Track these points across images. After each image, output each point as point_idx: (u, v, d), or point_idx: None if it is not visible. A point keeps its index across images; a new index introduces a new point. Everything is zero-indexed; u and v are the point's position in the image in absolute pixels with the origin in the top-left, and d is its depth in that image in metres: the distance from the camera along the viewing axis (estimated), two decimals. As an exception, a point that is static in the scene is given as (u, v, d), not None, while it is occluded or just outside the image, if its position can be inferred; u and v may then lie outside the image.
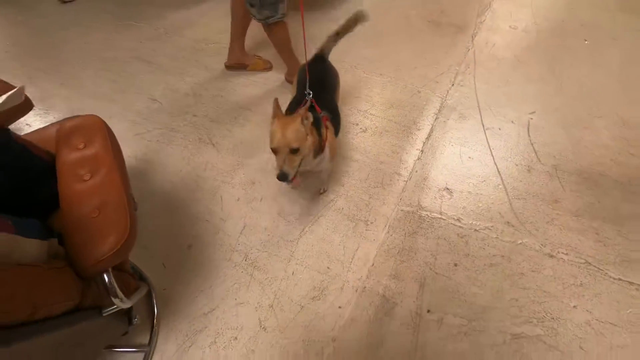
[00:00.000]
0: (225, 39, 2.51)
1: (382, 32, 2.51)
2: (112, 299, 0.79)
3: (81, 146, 0.93)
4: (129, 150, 1.82)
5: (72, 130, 0.97)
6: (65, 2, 2.99)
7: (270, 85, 2.16)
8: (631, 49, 2.36)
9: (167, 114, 2.02)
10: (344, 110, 1.96)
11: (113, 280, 0.79)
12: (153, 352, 1.19)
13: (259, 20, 1.74)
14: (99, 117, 1.01)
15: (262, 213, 1.58)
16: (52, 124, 1.06)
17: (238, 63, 2.21)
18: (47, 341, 0.67)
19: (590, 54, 2.33)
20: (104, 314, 0.81)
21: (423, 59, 2.28)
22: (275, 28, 1.78)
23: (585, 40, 2.44)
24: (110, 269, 0.79)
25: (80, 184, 0.86)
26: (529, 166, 1.70)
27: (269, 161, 1.75)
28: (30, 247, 0.80)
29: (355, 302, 1.30)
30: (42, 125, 1.20)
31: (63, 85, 2.23)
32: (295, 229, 1.51)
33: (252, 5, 1.68)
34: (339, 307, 1.30)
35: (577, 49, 2.38)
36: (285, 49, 1.96)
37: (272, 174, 1.69)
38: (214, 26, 2.64)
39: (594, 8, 2.75)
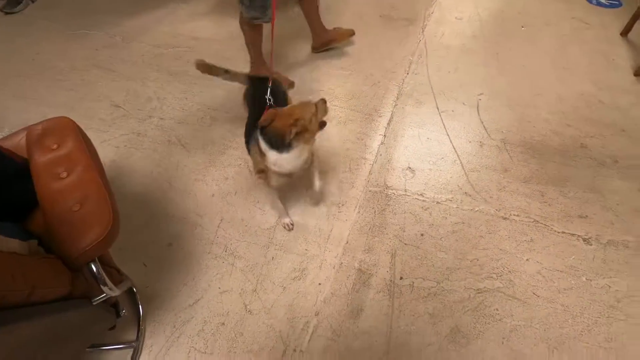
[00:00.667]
0: (184, 42, 2.54)
1: (338, 28, 2.63)
2: (102, 287, 0.83)
3: (54, 147, 0.95)
4: (96, 157, 1.81)
5: (43, 133, 0.98)
6: (8, 14, 2.87)
7: (233, 84, 2.20)
8: (561, 32, 2.61)
9: (132, 119, 2.01)
10: (309, 103, 2.05)
11: (101, 268, 0.82)
12: (142, 347, 1.22)
13: (245, 17, 1.78)
14: (69, 118, 1.03)
15: (238, 206, 1.63)
16: (19, 130, 1.06)
17: (324, 43, 2.29)
18: (40, 327, 0.69)
19: (527, 39, 2.56)
20: (94, 303, 0.84)
21: (379, 52, 2.41)
22: (256, 28, 1.86)
23: (522, 27, 2.68)
24: (97, 259, 0.83)
25: (58, 182, 0.88)
26: (480, 142, 1.87)
27: (240, 157, 1.80)
28: (13, 247, 0.81)
29: (334, 278, 1.39)
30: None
31: (16, 97, 2.16)
32: (271, 217, 1.58)
33: (241, 2, 1.72)
34: (319, 284, 1.38)
35: (515, 35, 2.61)
36: (256, 48, 2.02)
37: (244, 168, 1.75)
38: (171, 31, 2.64)
39: (527, -3, 3.02)
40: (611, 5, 2.87)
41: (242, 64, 2.29)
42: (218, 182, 1.71)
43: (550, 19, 2.76)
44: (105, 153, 1.83)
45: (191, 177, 1.74)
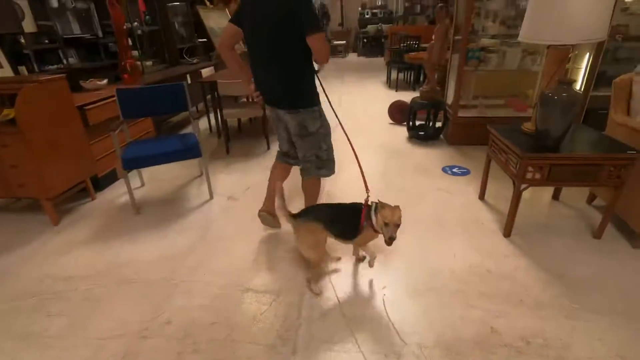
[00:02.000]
0: (50, 287, 2.12)
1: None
2: None
3: None
4: None
5: None
6: None
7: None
8: (434, 205, 2.97)
9: None
10: None
11: None
12: None
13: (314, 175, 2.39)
14: None
15: None
16: None
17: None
18: None
19: (410, 217, 2.80)
20: None
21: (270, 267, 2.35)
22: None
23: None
24: None
25: None
26: (398, 353, 1.69)
27: None
28: None
29: None
30: None
31: None
32: None
33: (314, 164, 2.36)
34: None
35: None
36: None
37: None
38: (37, 273, 2.28)
39: (400, 174, 3.53)
40: (462, 174, 3.48)
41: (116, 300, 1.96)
42: None
43: (423, 192, 3.17)
44: None
45: None
